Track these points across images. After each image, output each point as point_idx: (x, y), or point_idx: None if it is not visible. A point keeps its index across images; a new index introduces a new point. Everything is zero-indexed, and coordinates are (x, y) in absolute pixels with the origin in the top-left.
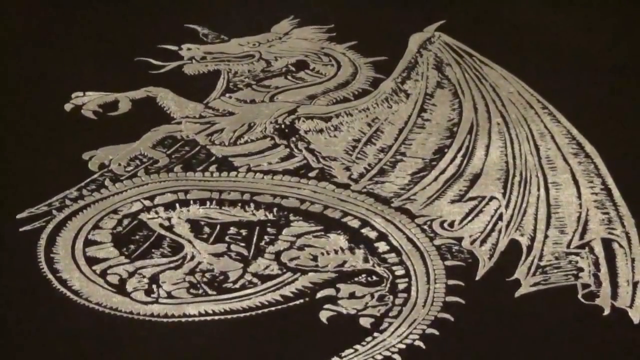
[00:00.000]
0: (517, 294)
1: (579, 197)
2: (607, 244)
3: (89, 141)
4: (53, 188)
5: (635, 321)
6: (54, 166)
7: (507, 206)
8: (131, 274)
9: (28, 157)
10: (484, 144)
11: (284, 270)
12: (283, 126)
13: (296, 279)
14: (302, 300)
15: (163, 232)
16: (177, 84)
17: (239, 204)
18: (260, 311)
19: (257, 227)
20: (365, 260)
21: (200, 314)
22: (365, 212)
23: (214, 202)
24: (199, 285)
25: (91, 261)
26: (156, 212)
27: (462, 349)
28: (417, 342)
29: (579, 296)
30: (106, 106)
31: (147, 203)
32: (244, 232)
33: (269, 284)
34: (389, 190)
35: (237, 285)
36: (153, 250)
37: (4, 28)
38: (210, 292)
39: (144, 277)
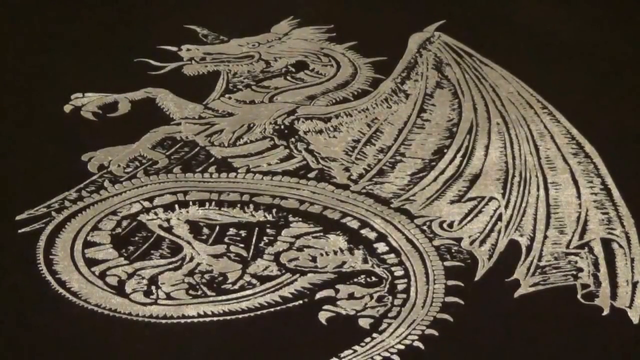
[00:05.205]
0: (516, 295)
1: (579, 197)
2: (606, 244)
3: (88, 142)
4: (52, 189)
5: (635, 321)
6: (53, 167)
7: (506, 206)
8: (130, 275)
9: (27, 158)
10: (483, 144)
11: (283, 271)
12: (282, 127)
13: (295, 280)
14: (301, 301)
15: (162, 233)
16: (177, 84)
17: (238, 205)
18: (259, 312)
19: (257, 228)
20: (365, 261)
21: (200, 315)
22: (365, 213)
23: (213, 203)
24: (198, 287)
25: (90, 262)
26: (155, 214)
27: (462, 350)
28: (416, 343)
29: (578, 296)
30: (105, 107)
31: (147, 204)
32: (243, 233)
33: (268, 285)
34: (389, 191)
35: (236, 287)
36: (152, 252)
37: (3, 29)
38: (209, 293)
39: (143, 278)
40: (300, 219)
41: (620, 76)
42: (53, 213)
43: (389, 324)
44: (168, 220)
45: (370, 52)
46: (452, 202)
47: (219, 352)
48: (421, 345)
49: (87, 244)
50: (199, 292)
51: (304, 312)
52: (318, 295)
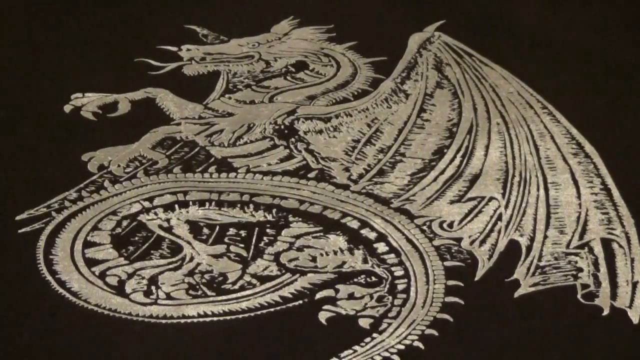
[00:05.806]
0: (516, 295)
1: (579, 197)
2: (606, 244)
3: (88, 142)
4: (52, 189)
5: (635, 321)
6: (53, 167)
7: (506, 206)
8: (130, 275)
9: (27, 158)
10: (483, 144)
11: (283, 271)
12: (282, 127)
13: (295, 280)
14: (301, 301)
15: (162, 233)
16: (177, 84)
17: (238, 205)
18: (259, 312)
19: (257, 228)
20: (365, 261)
21: (199, 315)
22: (365, 213)
23: (213, 203)
24: (198, 287)
25: (90, 262)
26: (155, 214)
27: (462, 350)
28: (416, 343)
29: (578, 296)
30: (105, 107)
31: (146, 204)
32: (243, 233)
33: (268, 285)
34: (389, 191)
35: (236, 287)
36: (152, 252)
37: (3, 29)
38: (209, 293)
39: (143, 278)
40: (300, 219)
41: (620, 76)
42: (53, 213)
43: (389, 324)
44: (168, 220)
45: (370, 52)
46: (452, 202)
47: (219, 352)
48: (421, 345)
49: (87, 244)
50: (199, 292)
51: (304, 312)
52: (318, 295)
